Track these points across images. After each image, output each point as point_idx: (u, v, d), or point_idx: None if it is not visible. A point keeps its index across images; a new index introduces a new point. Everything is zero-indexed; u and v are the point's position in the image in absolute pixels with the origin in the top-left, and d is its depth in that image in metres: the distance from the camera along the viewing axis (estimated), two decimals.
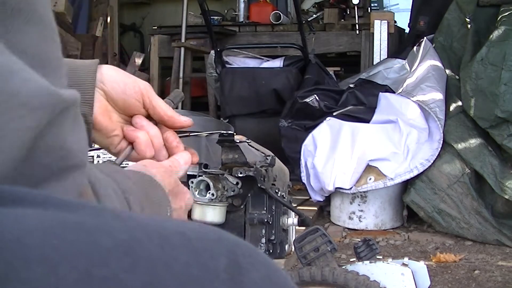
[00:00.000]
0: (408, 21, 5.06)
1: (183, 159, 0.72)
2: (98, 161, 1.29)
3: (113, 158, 0.70)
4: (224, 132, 1.09)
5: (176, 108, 0.79)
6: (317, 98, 3.79)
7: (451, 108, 3.44)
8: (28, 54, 0.33)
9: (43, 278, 0.24)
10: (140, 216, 0.31)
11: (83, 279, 0.24)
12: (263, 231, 1.11)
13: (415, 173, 3.29)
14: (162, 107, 0.71)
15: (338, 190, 3.40)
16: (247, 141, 1.14)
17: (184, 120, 0.74)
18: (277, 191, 1.16)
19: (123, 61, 6.73)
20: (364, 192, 3.40)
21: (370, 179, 3.34)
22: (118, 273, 0.25)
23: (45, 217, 0.27)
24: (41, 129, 0.32)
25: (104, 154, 1.28)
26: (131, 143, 0.68)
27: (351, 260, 1.17)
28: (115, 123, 0.67)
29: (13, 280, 0.23)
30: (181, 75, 5.21)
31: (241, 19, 5.76)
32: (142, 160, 0.66)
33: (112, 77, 0.66)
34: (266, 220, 1.12)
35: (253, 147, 1.17)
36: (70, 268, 0.24)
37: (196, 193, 1.08)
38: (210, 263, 0.28)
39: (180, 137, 0.79)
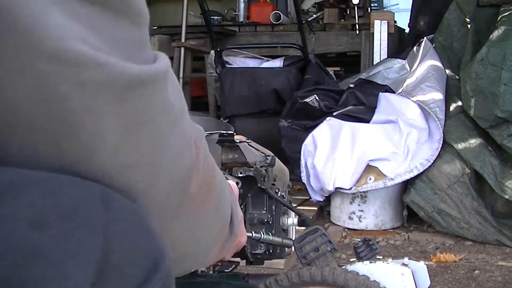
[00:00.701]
0: (408, 21, 5.06)
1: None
2: None
3: None
4: (224, 132, 1.09)
5: None
6: (317, 98, 3.79)
7: (451, 108, 3.44)
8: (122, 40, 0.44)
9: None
10: (44, 172, 0.43)
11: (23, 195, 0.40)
12: (263, 231, 1.11)
13: (415, 173, 3.29)
14: None
15: (338, 190, 3.40)
16: (247, 141, 1.14)
17: None
18: (277, 191, 1.16)
19: None
20: (364, 192, 3.40)
21: (370, 179, 3.34)
22: (36, 200, 0.39)
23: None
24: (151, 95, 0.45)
25: None
26: None
27: (351, 260, 1.17)
28: None
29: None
30: (181, 75, 5.21)
31: (241, 19, 5.76)
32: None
33: None
34: (266, 220, 1.11)
35: (253, 147, 1.17)
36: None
37: None
38: (90, 192, 0.43)
39: None
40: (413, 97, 3.48)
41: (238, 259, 1.15)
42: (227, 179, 1.08)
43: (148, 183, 0.49)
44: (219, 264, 1.11)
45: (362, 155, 3.36)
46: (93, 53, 0.40)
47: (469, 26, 3.65)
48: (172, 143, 0.50)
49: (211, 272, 1.10)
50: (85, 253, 0.39)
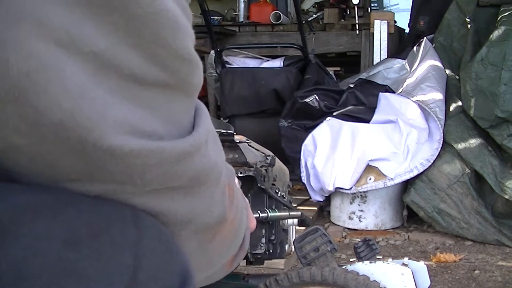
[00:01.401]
0: (408, 21, 5.06)
1: None
2: None
3: None
4: (224, 131, 1.09)
5: None
6: (317, 98, 3.79)
7: (451, 108, 3.44)
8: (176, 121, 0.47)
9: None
10: (77, 194, 0.43)
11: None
12: (263, 231, 1.11)
13: (415, 173, 3.29)
14: None
15: (338, 190, 3.40)
16: (247, 141, 1.14)
17: None
18: (277, 191, 1.16)
19: None
20: (364, 192, 3.40)
21: (370, 179, 3.34)
22: (71, 219, 0.41)
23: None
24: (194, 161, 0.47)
25: None
26: None
27: (351, 260, 1.17)
28: None
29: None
30: None
31: (241, 19, 5.76)
32: None
33: None
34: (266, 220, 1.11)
35: (253, 147, 1.17)
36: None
37: None
38: (121, 211, 0.44)
39: None
40: (413, 97, 3.48)
41: None
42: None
43: (179, 228, 0.50)
44: None
45: (362, 155, 3.36)
46: (145, 143, 0.42)
47: (469, 26, 3.65)
48: (209, 196, 0.52)
49: None
50: (116, 271, 0.41)
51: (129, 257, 0.42)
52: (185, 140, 0.46)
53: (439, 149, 3.31)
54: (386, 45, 4.86)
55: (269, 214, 1.08)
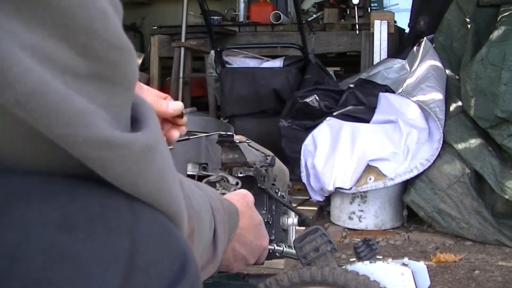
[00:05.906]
0: (408, 21, 5.06)
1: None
2: None
3: None
4: (223, 133, 1.09)
5: None
6: (317, 98, 3.79)
7: (451, 108, 3.44)
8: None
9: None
10: (73, 178, 0.42)
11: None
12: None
13: (415, 173, 3.29)
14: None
15: (338, 190, 3.40)
16: (247, 141, 1.14)
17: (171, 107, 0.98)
18: (277, 191, 1.16)
19: None
20: (364, 192, 3.40)
21: (370, 179, 3.34)
22: (64, 204, 0.40)
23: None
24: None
25: None
26: None
27: (351, 260, 1.16)
28: None
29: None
30: (181, 75, 5.21)
31: (241, 19, 5.76)
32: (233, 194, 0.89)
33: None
34: (266, 220, 1.11)
35: (253, 147, 1.17)
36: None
37: None
38: (117, 197, 0.43)
39: (179, 141, 0.92)
40: (413, 97, 3.48)
41: None
42: (227, 178, 1.08)
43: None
44: None
45: (362, 155, 3.36)
46: (117, 133, 0.41)
47: (469, 26, 3.65)
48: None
49: None
50: (111, 255, 0.41)
51: (125, 241, 0.42)
52: (144, 134, 0.44)
53: (439, 149, 3.31)
54: (386, 45, 4.86)
55: (285, 250, 1.10)
